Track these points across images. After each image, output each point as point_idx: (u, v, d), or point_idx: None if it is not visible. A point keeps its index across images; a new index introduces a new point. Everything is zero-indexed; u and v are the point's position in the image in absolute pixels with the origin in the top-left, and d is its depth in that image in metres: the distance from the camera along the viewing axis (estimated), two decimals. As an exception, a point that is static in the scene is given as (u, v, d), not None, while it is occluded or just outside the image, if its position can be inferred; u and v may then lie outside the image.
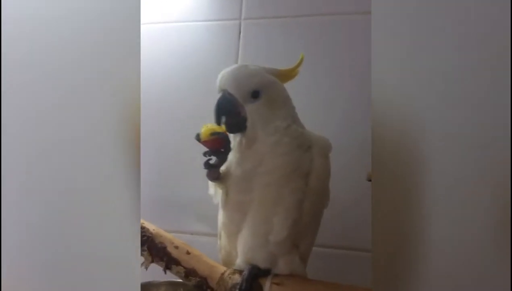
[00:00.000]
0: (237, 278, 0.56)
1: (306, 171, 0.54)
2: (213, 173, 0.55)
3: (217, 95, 0.53)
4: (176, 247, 0.61)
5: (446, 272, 0.36)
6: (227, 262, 0.62)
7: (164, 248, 0.61)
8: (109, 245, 0.43)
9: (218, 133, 0.52)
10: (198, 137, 0.54)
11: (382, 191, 0.36)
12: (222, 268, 0.59)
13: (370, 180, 0.55)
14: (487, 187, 0.35)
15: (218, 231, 0.66)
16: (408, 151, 0.37)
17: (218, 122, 0.52)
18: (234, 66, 0.55)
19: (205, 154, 0.55)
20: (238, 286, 0.54)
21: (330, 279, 0.56)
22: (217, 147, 0.53)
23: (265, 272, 0.55)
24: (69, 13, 0.42)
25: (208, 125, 0.54)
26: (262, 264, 0.55)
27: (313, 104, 0.74)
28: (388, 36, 0.38)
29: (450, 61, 0.36)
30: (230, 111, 0.53)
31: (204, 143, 0.53)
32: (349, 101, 0.78)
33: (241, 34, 0.91)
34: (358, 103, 0.76)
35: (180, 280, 0.67)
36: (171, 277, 0.63)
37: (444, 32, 0.36)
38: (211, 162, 0.54)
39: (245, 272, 0.54)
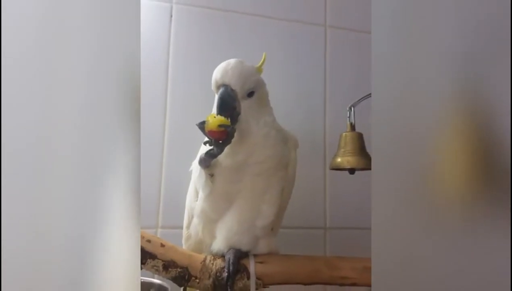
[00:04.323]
0: (220, 263, 0.59)
1: (286, 161, 0.61)
2: (208, 161, 0.55)
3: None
4: (149, 241, 0.58)
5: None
6: (195, 250, 0.63)
7: (136, 243, 0.57)
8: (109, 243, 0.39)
9: (227, 126, 0.53)
10: (202, 126, 0.53)
11: (380, 178, 0.41)
12: (199, 256, 0.60)
13: (333, 169, 0.67)
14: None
15: (185, 220, 0.66)
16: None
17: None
18: (233, 62, 0.57)
19: (206, 142, 0.55)
20: (225, 270, 0.57)
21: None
22: (221, 138, 0.53)
23: (246, 254, 0.60)
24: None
25: (215, 116, 0.54)
26: (245, 247, 0.59)
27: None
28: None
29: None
30: (230, 107, 0.55)
31: (209, 133, 0.53)
32: (305, 102, 0.90)
33: (173, 17, 0.89)
34: (313, 104, 0.90)
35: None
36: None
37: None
38: (212, 152, 0.55)
39: (230, 256, 0.58)
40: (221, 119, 0.53)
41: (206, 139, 0.55)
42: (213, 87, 0.59)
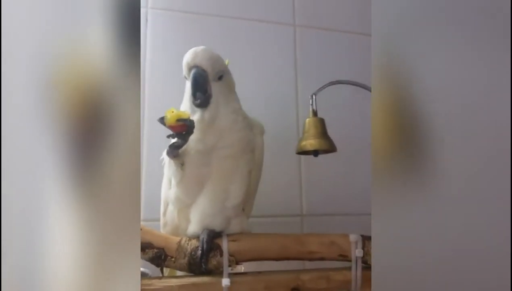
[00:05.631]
0: (194, 243, 0.62)
1: (252, 146, 0.66)
2: (175, 152, 0.60)
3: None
4: (126, 225, 0.62)
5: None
6: (172, 235, 0.67)
7: (114, 227, 0.60)
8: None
9: (184, 119, 0.56)
10: (162, 121, 0.57)
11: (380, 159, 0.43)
12: (175, 238, 0.64)
13: (298, 153, 0.72)
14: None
15: (162, 208, 0.70)
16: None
17: (194, 96, 0.58)
18: (201, 47, 0.61)
19: (168, 136, 0.58)
20: (199, 248, 0.61)
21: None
22: (182, 131, 0.57)
23: (219, 234, 0.64)
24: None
25: (173, 110, 0.57)
26: (218, 228, 0.63)
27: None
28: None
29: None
30: (203, 87, 0.59)
31: (170, 127, 0.57)
32: (278, 97, 0.97)
33: (148, 22, 0.94)
34: (285, 99, 0.96)
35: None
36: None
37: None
38: (176, 144, 0.59)
39: (203, 236, 0.62)
40: (178, 113, 0.56)
41: (170, 133, 0.58)
42: (184, 72, 0.62)
